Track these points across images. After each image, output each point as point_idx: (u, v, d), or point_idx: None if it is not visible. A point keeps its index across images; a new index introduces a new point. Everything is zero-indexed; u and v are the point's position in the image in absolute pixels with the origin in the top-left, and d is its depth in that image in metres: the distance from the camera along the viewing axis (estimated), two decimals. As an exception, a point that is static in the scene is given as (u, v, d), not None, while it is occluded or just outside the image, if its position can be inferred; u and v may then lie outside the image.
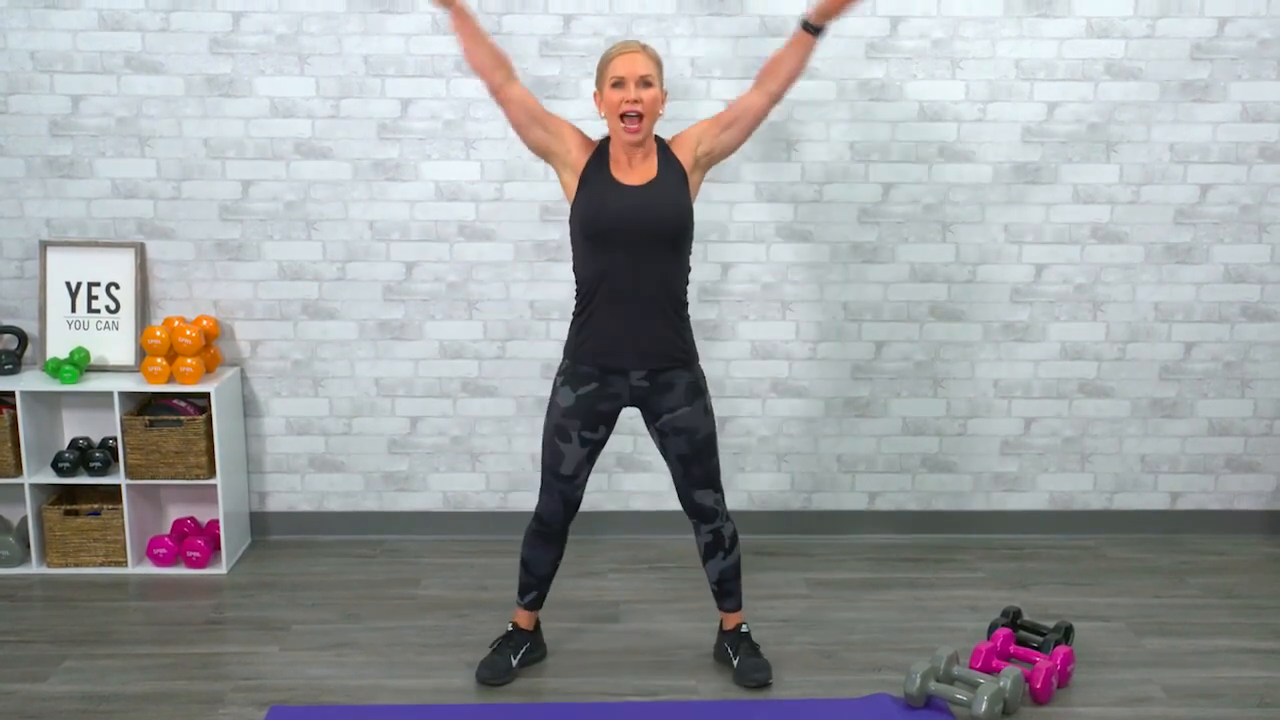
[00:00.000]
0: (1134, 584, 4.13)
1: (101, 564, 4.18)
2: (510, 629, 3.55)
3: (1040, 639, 3.59)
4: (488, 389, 4.39)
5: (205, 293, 4.29)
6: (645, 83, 3.18)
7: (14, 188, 4.20)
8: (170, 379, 4.12)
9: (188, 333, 4.09)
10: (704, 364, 4.37)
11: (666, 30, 4.13)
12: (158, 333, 4.07)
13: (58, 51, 4.11)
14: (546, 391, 4.37)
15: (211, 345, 4.26)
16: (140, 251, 4.23)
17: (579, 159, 3.29)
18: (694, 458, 3.36)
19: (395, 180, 4.23)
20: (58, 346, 4.23)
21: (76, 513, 4.15)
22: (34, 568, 4.17)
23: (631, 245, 3.21)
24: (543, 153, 3.33)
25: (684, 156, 3.30)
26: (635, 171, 3.26)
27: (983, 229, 4.30)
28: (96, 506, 4.15)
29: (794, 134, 4.23)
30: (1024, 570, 4.24)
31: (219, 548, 4.27)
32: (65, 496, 4.26)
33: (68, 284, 4.23)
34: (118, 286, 4.24)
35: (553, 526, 3.44)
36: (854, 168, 4.26)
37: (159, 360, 4.07)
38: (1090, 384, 4.43)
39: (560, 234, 4.26)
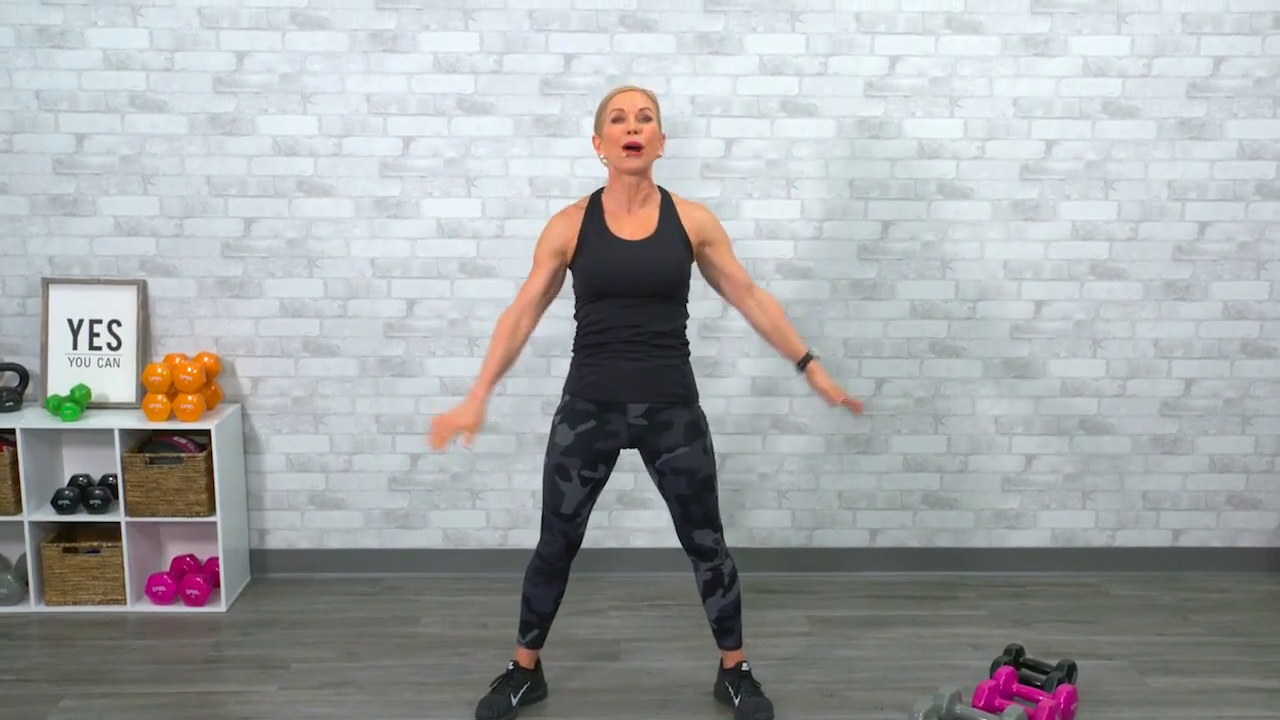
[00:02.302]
0: (1137, 622, 4.11)
1: (100, 602, 4.16)
2: (510, 668, 3.53)
3: (1043, 677, 3.57)
4: (489, 426, 4.39)
5: (206, 330, 4.30)
6: (644, 116, 3.22)
7: (17, 225, 4.22)
8: (171, 416, 4.12)
9: (189, 370, 4.09)
10: (705, 401, 4.37)
11: (666, 69, 4.17)
12: (159, 370, 4.08)
13: (63, 90, 4.14)
14: (547, 429, 4.37)
15: (212, 382, 4.26)
16: (142, 289, 4.24)
17: (572, 237, 3.29)
18: (693, 498, 3.35)
19: (397, 218, 4.25)
20: (59, 383, 4.23)
21: (75, 550, 4.14)
22: (32, 606, 4.15)
23: (631, 298, 3.24)
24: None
25: (689, 227, 3.31)
26: (634, 220, 3.28)
27: (982, 265, 4.32)
28: (95, 544, 4.14)
29: (793, 171, 4.25)
30: (1026, 608, 4.22)
31: (218, 585, 4.25)
32: (64, 534, 4.25)
33: (69, 321, 4.24)
34: (119, 324, 4.25)
35: (554, 564, 3.43)
36: (853, 205, 4.28)
37: (160, 397, 4.08)
38: (1091, 420, 4.43)
39: (561, 271, 4.28)
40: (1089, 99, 4.22)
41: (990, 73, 4.20)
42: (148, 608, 4.18)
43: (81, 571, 4.14)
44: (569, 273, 3.58)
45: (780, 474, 4.44)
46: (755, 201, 4.26)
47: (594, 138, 3.30)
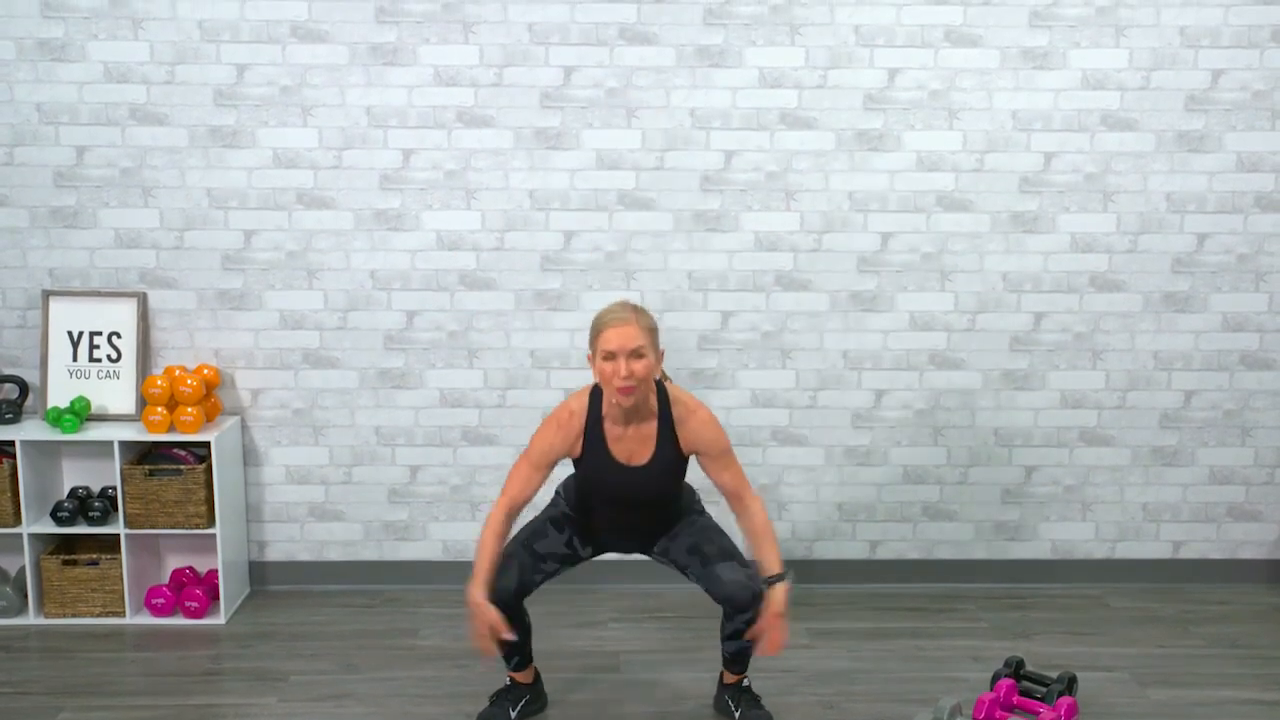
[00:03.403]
0: (1137, 634, 4.11)
1: (99, 614, 4.15)
2: (509, 682, 3.52)
3: (1044, 689, 3.56)
4: (488, 438, 4.39)
5: (206, 342, 4.30)
6: (637, 354, 3.10)
7: (18, 237, 4.22)
8: (171, 428, 4.12)
9: (189, 382, 4.09)
10: (704, 412, 4.37)
11: (666, 81, 4.17)
12: (159, 382, 4.08)
13: (63, 103, 4.14)
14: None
15: (212, 394, 4.26)
16: (142, 301, 4.24)
17: (575, 445, 3.26)
18: (703, 539, 3.34)
19: (397, 230, 4.25)
20: (59, 395, 4.23)
21: (75, 562, 4.13)
22: (31, 618, 4.15)
23: (627, 510, 3.33)
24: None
25: (685, 446, 3.26)
26: (632, 439, 3.24)
27: (981, 278, 4.32)
28: (95, 556, 4.13)
29: (793, 184, 4.26)
30: (1026, 620, 4.22)
31: (217, 597, 4.25)
32: (63, 546, 4.24)
33: (69, 333, 4.24)
34: (119, 336, 4.25)
35: (505, 604, 3.26)
36: (853, 217, 4.28)
37: (159, 409, 4.08)
38: (1091, 432, 4.42)
39: (560, 283, 4.28)
40: (1088, 111, 4.23)
41: (989, 85, 4.21)
42: (147, 620, 4.17)
43: (80, 584, 4.13)
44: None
45: (780, 486, 4.44)
46: (755, 213, 4.26)
47: (589, 356, 3.19)
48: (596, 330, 3.15)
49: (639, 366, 3.10)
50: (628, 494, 3.27)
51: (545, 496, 4.07)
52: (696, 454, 3.27)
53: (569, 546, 3.35)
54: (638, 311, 3.16)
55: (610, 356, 3.10)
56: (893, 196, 4.26)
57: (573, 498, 3.41)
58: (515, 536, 3.35)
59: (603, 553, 3.44)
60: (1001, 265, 4.32)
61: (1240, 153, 4.26)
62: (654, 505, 3.33)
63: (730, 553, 3.30)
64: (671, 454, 3.24)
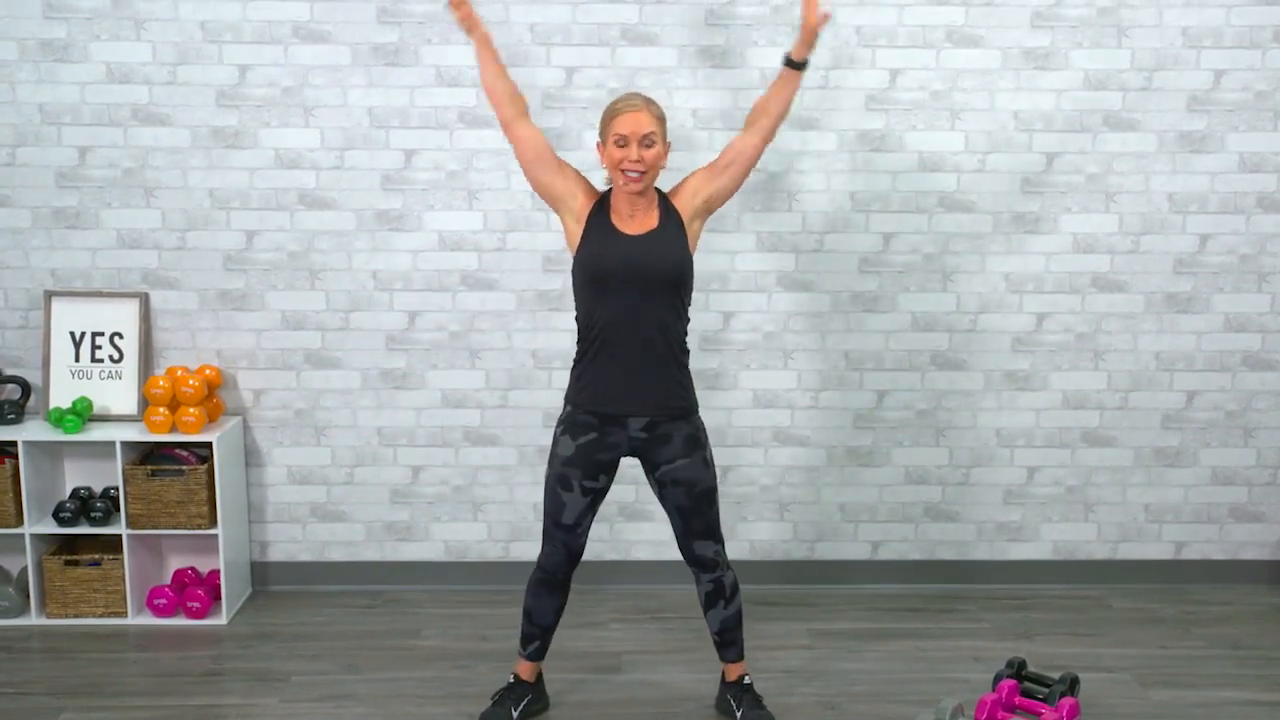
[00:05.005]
0: (1139, 634, 4.10)
1: (101, 615, 4.16)
2: (511, 680, 3.53)
3: (1045, 690, 3.56)
4: (490, 438, 4.39)
5: (208, 342, 4.30)
6: (648, 142, 3.20)
7: (20, 238, 4.23)
8: (173, 428, 4.12)
9: (191, 382, 4.10)
10: (705, 413, 4.36)
11: (668, 82, 4.18)
12: (161, 382, 4.08)
13: (66, 104, 4.15)
14: (548, 441, 4.37)
15: (214, 395, 4.27)
16: (144, 301, 4.25)
17: (584, 206, 3.32)
18: (693, 509, 3.35)
19: (398, 230, 4.26)
20: (61, 396, 4.24)
21: (77, 563, 4.13)
22: (33, 619, 4.15)
23: (632, 292, 3.23)
24: (548, 195, 3.35)
25: (682, 207, 3.32)
26: (636, 221, 3.28)
27: (983, 278, 4.32)
28: (97, 557, 4.14)
29: (795, 184, 4.26)
30: (1028, 620, 4.21)
31: (219, 598, 4.25)
32: (65, 546, 4.25)
33: (72, 334, 4.24)
34: (121, 336, 4.25)
35: (555, 575, 3.43)
36: (855, 217, 4.28)
37: (161, 410, 4.08)
38: (1092, 433, 4.42)
39: (562, 283, 4.28)
40: (1090, 112, 4.22)
41: (991, 86, 4.21)
42: (149, 620, 4.18)
43: (82, 584, 4.13)
44: (570, 274, 3.55)
45: (781, 486, 4.44)
46: (757, 214, 4.26)
47: (598, 144, 3.30)
48: (609, 116, 3.24)
49: (649, 154, 3.20)
50: (633, 268, 3.22)
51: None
52: (698, 198, 3.32)
53: (586, 494, 3.34)
54: (649, 101, 3.25)
55: (622, 142, 3.20)
56: (895, 197, 4.26)
57: (581, 333, 3.33)
58: (545, 516, 3.38)
59: (614, 465, 3.35)
60: (1003, 266, 4.31)
61: (1242, 153, 4.26)
62: (661, 293, 3.24)
63: (713, 531, 3.40)
64: (673, 226, 3.29)
